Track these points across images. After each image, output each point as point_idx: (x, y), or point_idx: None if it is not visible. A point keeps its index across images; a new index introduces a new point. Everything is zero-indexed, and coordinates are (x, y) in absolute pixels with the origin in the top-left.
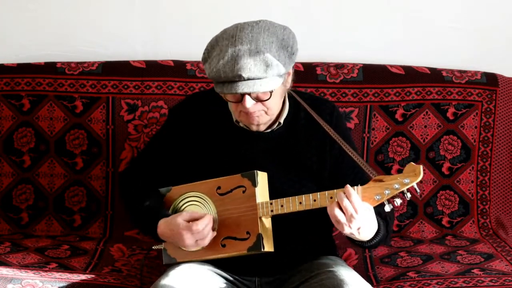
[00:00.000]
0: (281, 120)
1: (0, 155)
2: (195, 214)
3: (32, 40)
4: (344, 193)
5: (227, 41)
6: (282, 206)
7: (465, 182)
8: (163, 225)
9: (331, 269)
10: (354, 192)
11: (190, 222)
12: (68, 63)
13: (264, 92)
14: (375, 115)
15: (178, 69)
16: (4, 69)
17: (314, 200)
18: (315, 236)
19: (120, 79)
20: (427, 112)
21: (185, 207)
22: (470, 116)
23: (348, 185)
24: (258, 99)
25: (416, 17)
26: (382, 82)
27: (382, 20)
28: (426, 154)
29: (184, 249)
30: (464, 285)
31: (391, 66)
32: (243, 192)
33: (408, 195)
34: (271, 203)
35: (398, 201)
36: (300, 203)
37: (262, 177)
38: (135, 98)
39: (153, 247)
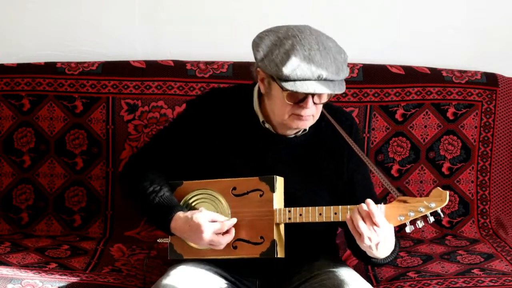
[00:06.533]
0: (307, 128)
1: (0, 155)
2: (218, 216)
3: (32, 40)
4: (367, 208)
5: (291, 40)
6: (301, 215)
7: (465, 182)
8: (180, 220)
9: (332, 269)
10: (377, 209)
11: (214, 223)
12: (68, 63)
13: (328, 95)
14: (375, 115)
15: (178, 69)
16: (4, 69)
17: (335, 213)
18: (318, 238)
19: (120, 79)
20: (427, 112)
21: (196, 204)
22: (470, 116)
23: (371, 203)
24: (316, 103)
25: (416, 17)
26: (382, 82)
27: (382, 20)
28: (426, 154)
29: (194, 246)
30: (464, 285)
31: (391, 66)
32: (260, 196)
33: (431, 218)
34: (289, 211)
35: (420, 224)
36: (320, 214)
37: (279, 183)
38: (135, 98)
39: (158, 240)
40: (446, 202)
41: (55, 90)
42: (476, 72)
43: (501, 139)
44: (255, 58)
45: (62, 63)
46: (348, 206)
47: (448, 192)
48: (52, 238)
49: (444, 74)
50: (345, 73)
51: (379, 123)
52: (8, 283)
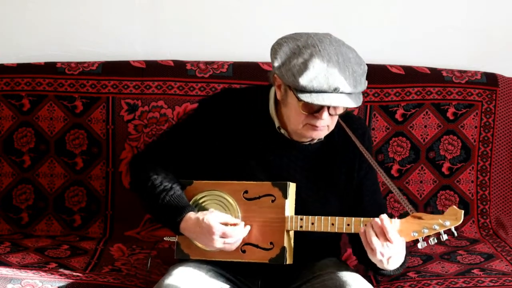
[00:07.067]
0: (321, 137)
1: (0, 155)
2: (229, 218)
3: (32, 40)
4: (381, 224)
5: (310, 50)
6: (313, 224)
7: (465, 182)
8: (191, 220)
9: (333, 270)
10: (390, 225)
11: (226, 228)
12: (68, 63)
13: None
14: (375, 115)
15: (178, 69)
16: (4, 69)
17: (348, 225)
18: (324, 242)
19: (120, 79)
20: (427, 112)
21: (206, 205)
22: (470, 116)
23: (385, 219)
24: (332, 114)
25: (416, 17)
26: (382, 82)
27: (382, 20)
28: (426, 154)
29: (203, 247)
30: (464, 285)
31: (391, 66)
32: (272, 201)
33: (445, 236)
34: (301, 219)
35: (432, 241)
36: (333, 224)
37: (292, 189)
38: (135, 98)
39: (164, 238)
40: (461, 221)
41: (55, 90)
42: (476, 72)
43: (501, 139)
44: (272, 65)
45: (62, 63)
46: (362, 219)
47: (463, 211)
48: (52, 238)
49: (444, 74)
50: (363, 86)
51: (379, 123)
52: (8, 283)
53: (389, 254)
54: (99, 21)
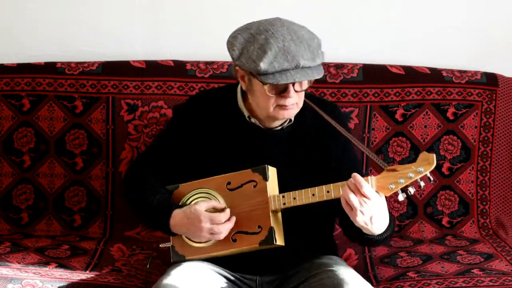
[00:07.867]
0: (292, 117)
1: (0, 155)
2: (214, 203)
3: (32, 40)
4: (354, 179)
5: (263, 35)
6: (294, 198)
7: (465, 182)
8: (179, 215)
9: (331, 268)
10: (364, 181)
11: (212, 214)
12: (68, 63)
13: (308, 82)
14: (375, 115)
15: (178, 69)
16: (4, 69)
17: (327, 192)
18: (316, 236)
19: (120, 79)
20: (427, 112)
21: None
22: (470, 116)
23: (357, 175)
24: (298, 90)
25: (416, 17)
26: (382, 82)
27: (382, 20)
28: None
29: (194, 241)
30: (464, 285)
31: (391, 66)
32: (254, 186)
33: (422, 183)
34: (283, 196)
35: (411, 190)
36: (313, 195)
37: (272, 172)
38: (135, 98)
39: (160, 245)
40: (434, 165)
41: (55, 90)
42: (476, 72)
43: (501, 139)
44: (232, 57)
45: (62, 63)
46: (340, 183)
47: (434, 155)
48: (52, 238)
49: (444, 74)
50: (321, 58)
51: (379, 123)
52: (8, 283)
53: (370, 212)
54: (99, 21)
